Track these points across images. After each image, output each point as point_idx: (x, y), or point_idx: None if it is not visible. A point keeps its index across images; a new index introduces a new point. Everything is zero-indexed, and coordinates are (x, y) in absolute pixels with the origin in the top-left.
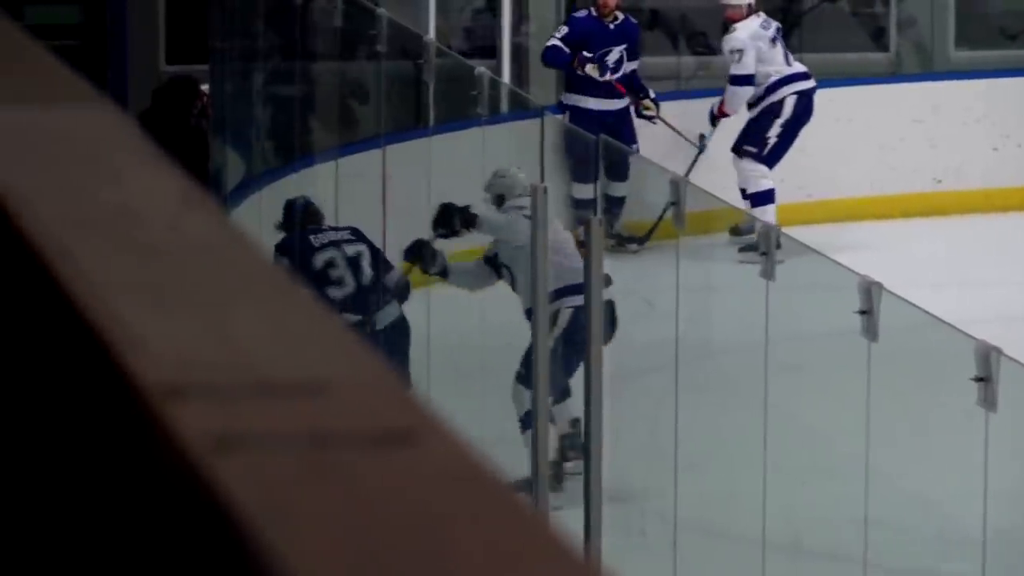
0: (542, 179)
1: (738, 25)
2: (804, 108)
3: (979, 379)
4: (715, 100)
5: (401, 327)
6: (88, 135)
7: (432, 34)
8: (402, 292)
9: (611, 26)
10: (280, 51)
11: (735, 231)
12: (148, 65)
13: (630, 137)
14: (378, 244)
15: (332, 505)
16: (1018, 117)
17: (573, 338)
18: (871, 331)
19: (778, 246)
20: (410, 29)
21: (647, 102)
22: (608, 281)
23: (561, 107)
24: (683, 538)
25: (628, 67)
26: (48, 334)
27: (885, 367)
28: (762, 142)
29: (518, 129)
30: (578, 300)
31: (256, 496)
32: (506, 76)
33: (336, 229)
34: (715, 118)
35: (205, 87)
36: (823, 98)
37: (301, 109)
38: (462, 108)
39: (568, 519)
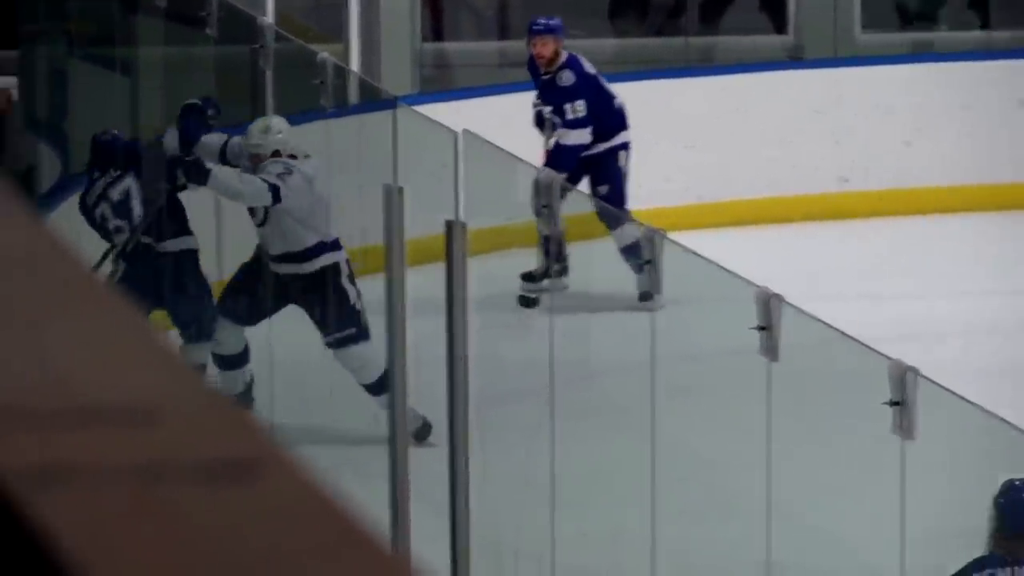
0: (395, 178)
1: None
2: None
3: (894, 403)
4: None
5: (191, 256)
6: None
7: (270, 16)
8: None
9: (544, 77)
10: (100, 36)
11: None
12: None
13: (613, 179)
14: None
15: (162, 546)
16: (932, 108)
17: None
18: (771, 349)
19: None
20: (245, 11)
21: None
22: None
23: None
24: None
25: (565, 137)
26: None
27: (787, 390)
28: None
29: (368, 122)
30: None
31: (78, 536)
32: (355, 64)
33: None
34: None
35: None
36: (714, 87)
37: (124, 101)
38: (304, 99)
39: (432, 556)
